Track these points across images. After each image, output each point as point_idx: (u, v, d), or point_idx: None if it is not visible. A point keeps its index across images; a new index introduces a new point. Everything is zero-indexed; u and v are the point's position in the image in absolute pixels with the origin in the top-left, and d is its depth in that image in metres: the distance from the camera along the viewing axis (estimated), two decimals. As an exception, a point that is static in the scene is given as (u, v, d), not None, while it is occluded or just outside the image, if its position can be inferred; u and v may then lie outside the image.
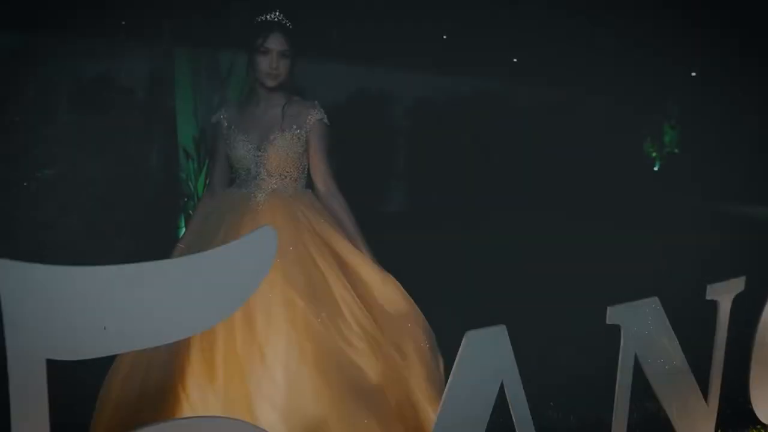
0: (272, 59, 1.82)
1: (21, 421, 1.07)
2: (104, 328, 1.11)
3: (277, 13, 1.84)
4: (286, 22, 1.85)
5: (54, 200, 3.65)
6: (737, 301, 1.95)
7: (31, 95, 3.71)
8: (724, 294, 1.92)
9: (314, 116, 1.88)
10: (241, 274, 1.18)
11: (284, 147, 1.84)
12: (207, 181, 6.06)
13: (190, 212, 4.66)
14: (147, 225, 4.47)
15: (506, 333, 1.41)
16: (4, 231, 3.51)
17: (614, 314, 1.60)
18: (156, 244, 3.98)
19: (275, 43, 1.82)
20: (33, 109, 3.73)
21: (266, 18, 1.83)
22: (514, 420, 1.43)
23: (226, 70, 6.35)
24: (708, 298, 1.88)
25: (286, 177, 1.87)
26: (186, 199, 5.14)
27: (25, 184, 3.64)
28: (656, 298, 1.68)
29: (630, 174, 11.07)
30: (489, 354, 1.39)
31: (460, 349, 1.35)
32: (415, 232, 6.90)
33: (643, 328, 1.64)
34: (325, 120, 1.90)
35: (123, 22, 5.20)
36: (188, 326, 1.17)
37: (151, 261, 1.13)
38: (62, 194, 3.78)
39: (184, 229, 2.45)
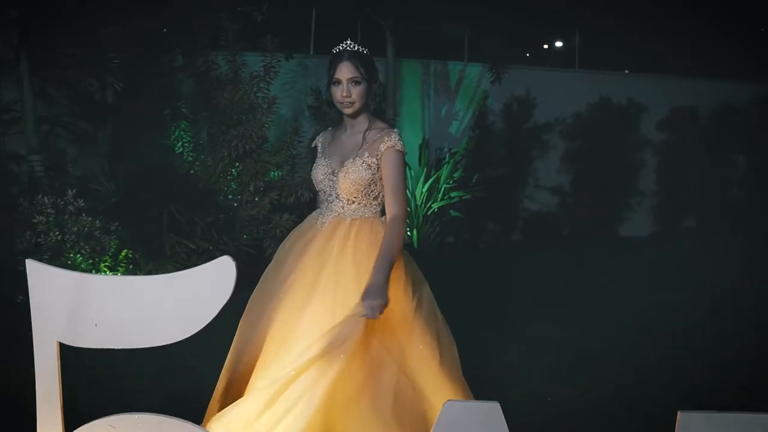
0: (343, 89, 1.87)
1: (41, 386, 1.34)
2: (95, 325, 1.30)
3: (348, 42, 1.89)
4: (359, 49, 1.88)
5: (269, 200, 4.23)
6: None
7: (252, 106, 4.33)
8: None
9: (386, 143, 1.86)
10: (200, 299, 1.25)
11: (353, 173, 1.87)
12: (423, 190, 6.09)
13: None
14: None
15: (500, 411, 1.15)
16: (229, 224, 4.23)
17: (688, 423, 1.16)
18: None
19: (344, 72, 1.86)
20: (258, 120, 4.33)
21: (338, 49, 1.90)
22: None
23: (454, 82, 6.48)
24: None
25: (354, 202, 1.90)
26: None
27: (251, 184, 4.30)
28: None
29: None
30: (475, 433, 1.15)
31: (435, 422, 1.16)
32: (662, 257, 6.01)
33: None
34: (398, 147, 1.87)
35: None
36: (154, 337, 1.30)
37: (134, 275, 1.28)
38: (279, 194, 4.34)
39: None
